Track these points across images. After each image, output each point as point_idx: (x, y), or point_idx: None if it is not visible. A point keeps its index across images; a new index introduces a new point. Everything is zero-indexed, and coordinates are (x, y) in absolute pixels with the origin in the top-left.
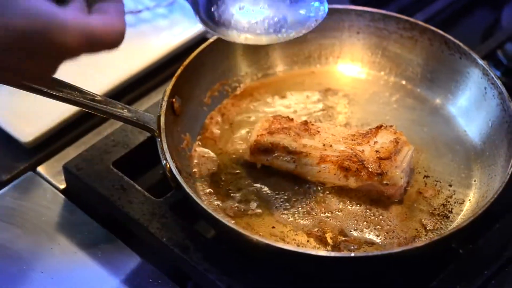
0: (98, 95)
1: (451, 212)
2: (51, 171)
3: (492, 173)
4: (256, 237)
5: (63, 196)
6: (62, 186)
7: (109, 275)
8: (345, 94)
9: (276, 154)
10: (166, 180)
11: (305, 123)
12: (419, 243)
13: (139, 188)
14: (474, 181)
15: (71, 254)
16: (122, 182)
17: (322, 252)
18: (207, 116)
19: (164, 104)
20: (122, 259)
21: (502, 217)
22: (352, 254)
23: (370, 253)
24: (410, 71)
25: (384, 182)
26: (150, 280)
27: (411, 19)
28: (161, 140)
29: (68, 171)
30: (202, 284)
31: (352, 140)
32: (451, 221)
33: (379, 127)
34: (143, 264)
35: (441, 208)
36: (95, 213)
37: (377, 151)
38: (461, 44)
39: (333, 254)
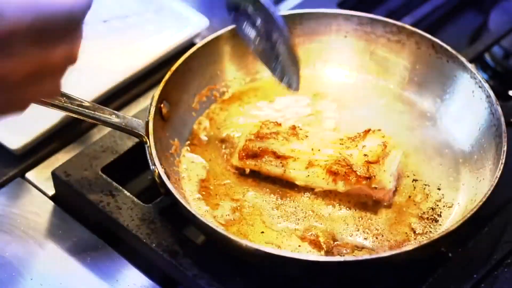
0: (86, 100)
1: (440, 215)
2: (40, 178)
3: (481, 176)
4: (245, 242)
5: (52, 203)
6: (51, 192)
7: (99, 281)
8: (334, 99)
9: (264, 159)
10: (155, 186)
11: (293, 127)
12: (408, 247)
13: (128, 193)
14: (463, 184)
15: (61, 260)
16: (111, 188)
17: (312, 257)
18: (196, 121)
19: (153, 109)
20: (111, 265)
21: (491, 220)
22: (342, 259)
23: (359, 257)
24: (398, 75)
25: (373, 185)
26: (140, 286)
27: (398, 23)
28: (149, 145)
29: (56, 177)
30: None
31: (340, 144)
32: (440, 224)
33: (367, 131)
34: (133, 270)
35: (430, 212)
36: (84, 219)
37: (365, 155)
38: (448, 47)
39: (322, 259)
